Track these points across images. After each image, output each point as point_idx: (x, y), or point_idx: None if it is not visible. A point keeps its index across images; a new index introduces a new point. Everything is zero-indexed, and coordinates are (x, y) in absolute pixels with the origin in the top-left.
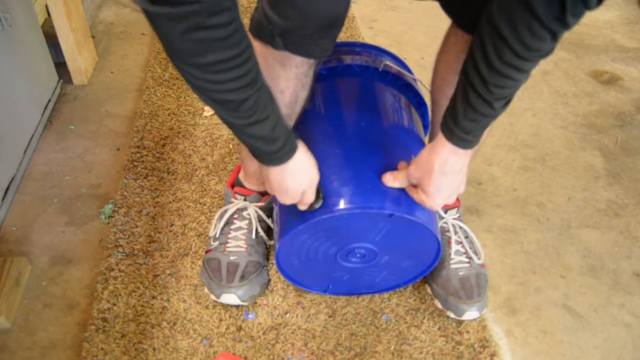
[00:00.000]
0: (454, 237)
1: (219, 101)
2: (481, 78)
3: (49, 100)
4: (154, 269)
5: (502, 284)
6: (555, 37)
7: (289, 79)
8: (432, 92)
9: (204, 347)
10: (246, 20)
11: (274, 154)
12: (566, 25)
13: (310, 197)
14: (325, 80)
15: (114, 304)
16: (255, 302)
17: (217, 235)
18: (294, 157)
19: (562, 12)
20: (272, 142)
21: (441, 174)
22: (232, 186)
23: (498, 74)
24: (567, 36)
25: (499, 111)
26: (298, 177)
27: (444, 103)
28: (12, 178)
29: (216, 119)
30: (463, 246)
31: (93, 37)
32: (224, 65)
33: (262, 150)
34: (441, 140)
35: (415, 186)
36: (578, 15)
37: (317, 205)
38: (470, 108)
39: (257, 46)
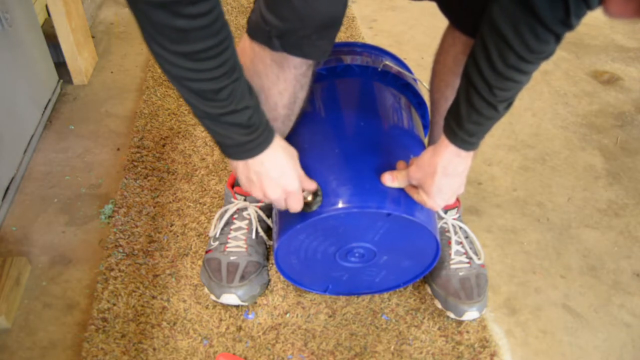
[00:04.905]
0: (454, 238)
1: (195, 90)
2: (485, 81)
3: (49, 100)
4: (154, 269)
5: (502, 284)
6: (558, 39)
7: (287, 80)
8: (431, 93)
9: (204, 347)
10: (244, 21)
11: (248, 143)
12: (570, 27)
13: (293, 200)
14: (325, 80)
15: (114, 304)
16: (255, 302)
17: (217, 235)
18: (270, 147)
19: (567, 14)
20: (249, 129)
21: (444, 175)
22: (232, 186)
23: (502, 77)
24: (567, 36)
25: (502, 113)
26: (275, 169)
27: (443, 104)
28: (12, 178)
29: None
30: (463, 246)
31: (93, 37)
32: (204, 55)
33: (237, 140)
34: (444, 143)
35: (415, 187)
36: (581, 17)
37: (315, 206)
38: (474, 111)
39: (255, 48)
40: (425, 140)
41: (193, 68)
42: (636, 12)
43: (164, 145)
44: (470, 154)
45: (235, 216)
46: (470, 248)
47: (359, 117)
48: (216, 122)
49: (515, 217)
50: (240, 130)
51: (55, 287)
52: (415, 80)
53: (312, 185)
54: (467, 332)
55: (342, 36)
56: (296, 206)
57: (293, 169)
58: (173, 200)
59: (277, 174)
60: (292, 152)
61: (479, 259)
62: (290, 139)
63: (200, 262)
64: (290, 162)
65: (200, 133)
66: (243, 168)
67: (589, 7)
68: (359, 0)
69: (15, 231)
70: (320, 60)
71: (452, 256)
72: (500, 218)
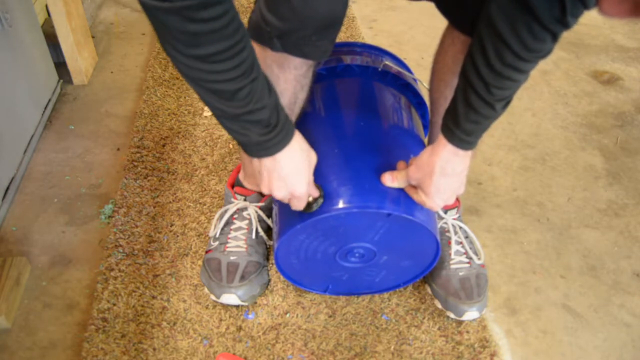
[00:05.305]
0: (454, 238)
1: (213, 91)
2: (482, 80)
3: (49, 100)
4: (154, 269)
5: (502, 284)
6: (555, 38)
7: (287, 81)
8: (430, 93)
9: (204, 347)
10: (245, 20)
11: (268, 141)
12: (566, 26)
13: (298, 202)
14: (325, 80)
15: (114, 304)
16: (255, 302)
17: (217, 235)
18: (287, 147)
19: (563, 13)
20: (267, 128)
21: (442, 175)
22: (232, 186)
23: (499, 76)
24: (567, 36)
25: (499, 112)
26: (286, 170)
27: (442, 103)
28: (12, 178)
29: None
30: (463, 246)
31: (93, 37)
32: (219, 57)
33: (256, 139)
34: (442, 142)
35: (414, 187)
36: (577, 16)
37: (315, 207)
38: (471, 110)
39: (255, 48)
40: (425, 140)
41: (209, 70)
42: (631, 12)
43: (164, 145)
44: (469, 153)
45: (235, 216)
46: (470, 248)
47: (359, 117)
48: (235, 121)
49: (515, 217)
50: (258, 129)
51: (55, 287)
52: (415, 80)
53: (315, 192)
54: (467, 332)
55: (342, 36)
56: (298, 207)
57: (304, 174)
58: (173, 200)
59: (287, 176)
60: (310, 157)
61: (479, 259)
62: None
63: (200, 262)
64: (303, 166)
65: (200, 133)
66: (256, 163)
67: (586, 6)
68: (359, 0)
69: (15, 231)
70: (321, 60)
71: (452, 256)
72: (500, 218)
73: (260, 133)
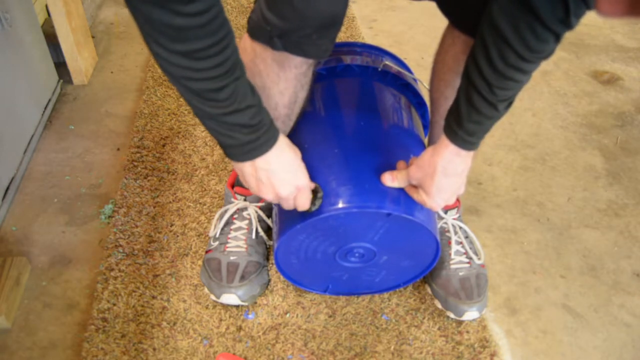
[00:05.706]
0: (454, 238)
1: (195, 90)
2: (485, 81)
3: (49, 100)
4: (154, 269)
5: (502, 284)
6: (558, 39)
7: (288, 80)
8: (431, 93)
9: (204, 347)
10: (244, 20)
11: (257, 140)
12: (569, 27)
13: (303, 196)
14: (325, 80)
15: (114, 304)
16: (255, 302)
17: (217, 235)
18: (276, 146)
19: (566, 13)
20: (252, 129)
21: (444, 175)
22: (232, 186)
23: (502, 77)
24: (567, 36)
25: (502, 112)
26: (284, 166)
27: (442, 103)
28: (12, 178)
29: None
30: (463, 246)
31: (93, 37)
32: (203, 53)
33: (240, 140)
34: (444, 142)
35: (415, 186)
36: (580, 16)
37: (315, 207)
38: (474, 110)
39: (256, 48)
40: (425, 140)
41: (192, 67)
42: (627, 11)
43: (164, 145)
44: (470, 154)
45: (235, 216)
46: (470, 248)
47: (359, 117)
48: (218, 122)
49: (515, 217)
50: (243, 130)
51: (55, 287)
52: (415, 80)
53: (311, 184)
54: (467, 332)
55: (342, 36)
56: (305, 203)
57: (300, 165)
58: (173, 200)
59: (287, 171)
60: (297, 150)
61: (479, 259)
62: (290, 138)
63: (200, 262)
64: (296, 159)
65: (200, 133)
66: (250, 169)
67: (588, 6)
68: (359, 0)
69: (15, 231)
70: (321, 59)
71: (452, 256)
72: (500, 218)
73: (244, 133)
